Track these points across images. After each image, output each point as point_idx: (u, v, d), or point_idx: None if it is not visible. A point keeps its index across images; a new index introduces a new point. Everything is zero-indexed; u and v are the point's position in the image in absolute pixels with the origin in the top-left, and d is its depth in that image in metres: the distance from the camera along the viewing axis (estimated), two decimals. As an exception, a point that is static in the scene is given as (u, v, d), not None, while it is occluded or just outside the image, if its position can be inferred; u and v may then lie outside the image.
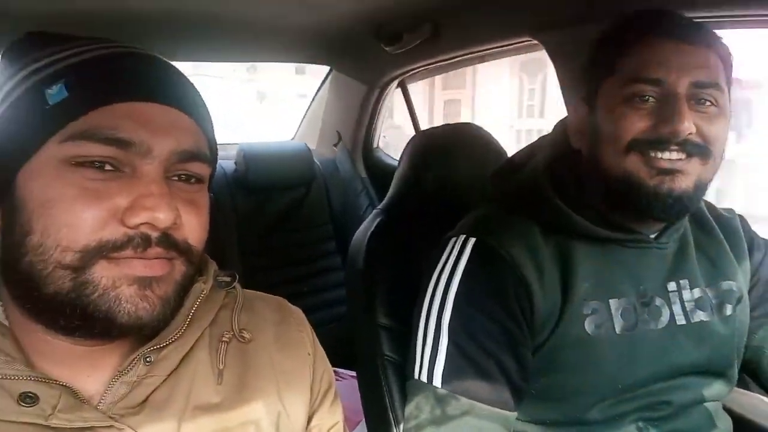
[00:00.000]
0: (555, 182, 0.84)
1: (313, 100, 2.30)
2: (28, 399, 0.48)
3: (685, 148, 0.73)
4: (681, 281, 0.85)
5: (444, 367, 0.77)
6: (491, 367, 0.77)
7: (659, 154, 0.74)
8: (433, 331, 0.80)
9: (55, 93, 0.49)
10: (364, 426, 1.10)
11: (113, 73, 0.51)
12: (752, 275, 0.91)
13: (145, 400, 0.53)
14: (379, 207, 1.18)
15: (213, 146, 0.58)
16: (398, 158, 1.23)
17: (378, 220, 1.12)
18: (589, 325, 0.79)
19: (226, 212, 1.90)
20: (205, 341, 0.59)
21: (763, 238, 0.94)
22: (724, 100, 0.76)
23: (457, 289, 0.80)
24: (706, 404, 0.84)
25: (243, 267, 1.86)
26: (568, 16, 1.13)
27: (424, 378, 0.78)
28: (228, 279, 0.65)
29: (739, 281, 0.89)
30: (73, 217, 0.47)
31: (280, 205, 2.01)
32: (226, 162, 2.00)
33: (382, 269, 1.06)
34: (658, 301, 0.83)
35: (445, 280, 0.82)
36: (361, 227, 1.15)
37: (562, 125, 0.92)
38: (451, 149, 1.16)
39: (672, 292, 0.84)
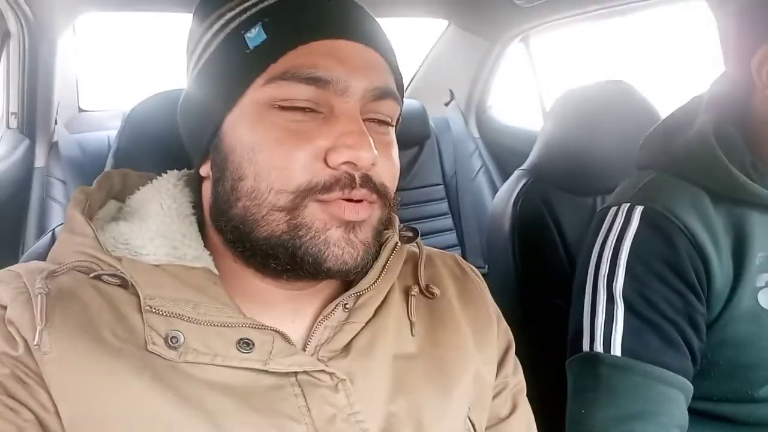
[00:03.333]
0: (724, 146, 0.77)
1: (426, 56, 2.26)
2: (245, 345, 0.49)
3: None
4: None
5: (623, 334, 0.74)
6: (672, 334, 0.74)
7: None
8: (604, 300, 0.77)
9: (255, 36, 0.50)
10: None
11: (307, 12, 0.51)
12: None
13: (347, 345, 0.54)
14: (522, 168, 1.15)
15: (401, 85, 0.57)
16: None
17: (524, 180, 1.10)
18: (763, 298, 0.75)
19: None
20: (395, 293, 0.59)
21: None
22: None
23: (628, 256, 0.76)
24: None
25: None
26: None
27: (599, 348, 0.75)
28: (410, 234, 0.64)
29: None
30: (282, 160, 0.48)
31: (395, 163, 2.01)
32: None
33: (528, 230, 1.04)
34: None
35: (612, 248, 0.78)
36: (504, 187, 1.13)
37: (722, 83, 0.84)
38: (600, 108, 1.10)
39: None
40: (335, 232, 0.49)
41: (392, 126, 0.56)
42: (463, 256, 2.08)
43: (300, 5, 0.52)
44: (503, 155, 2.11)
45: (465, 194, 2.08)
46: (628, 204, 0.80)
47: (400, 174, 0.54)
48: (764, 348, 0.75)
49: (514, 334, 0.67)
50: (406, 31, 2.26)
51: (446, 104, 2.21)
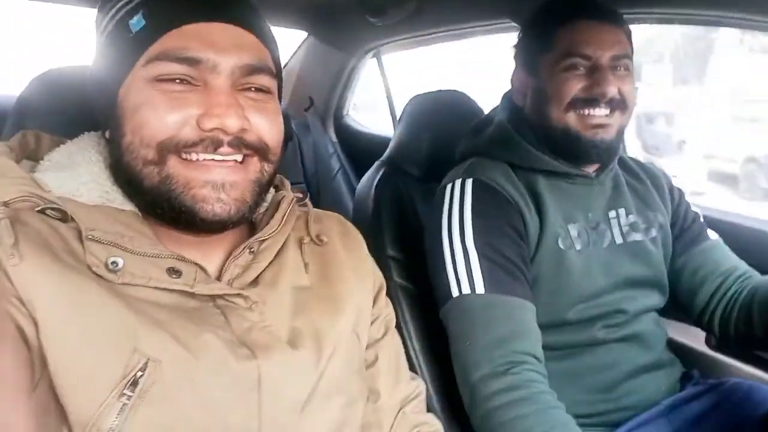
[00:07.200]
0: (516, 130, 1.07)
1: (286, 64, 2.39)
2: (174, 273, 0.59)
3: (610, 104, 0.98)
4: (619, 210, 1.08)
5: (482, 275, 0.93)
6: (515, 270, 0.95)
7: (592, 111, 0.98)
8: (461, 251, 0.96)
9: (136, 22, 0.59)
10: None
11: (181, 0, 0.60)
12: (672, 214, 1.15)
13: (255, 279, 0.65)
14: (381, 159, 1.35)
15: (277, 60, 0.67)
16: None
17: (382, 170, 1.29)
18: (561, 242, 1.01)
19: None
20: (290, 242, 0.72)
21: (678, 187, 1.19)
22: (631, 66, 1.01)
23: (472, 214, 0.98)
24: (650, 313, 1.08)
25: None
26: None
27: (466, 290, 0.94)
28: (300, 195, 0.77)
29: (663, 213, 1.13)
30: (155, 117, 0.56)
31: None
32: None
33: (388, 210, 1.24)
34: (602, 226, 1.06)
35: (458, 211, 1.00)
36: (367, 176, 1.31)
37: (509, 94, 1.15)
38: (442, 111, 1.35)
39: (612, 218, 1.07)
40: (201, 191, 0.58)
41: (271, 93, 0.64)
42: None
43: None
44: (359, 157, 2.32)
45: (326, 192, 2.25)
46: (461, 179, 1.03)
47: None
48: (564, 280, 1.00)
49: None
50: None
51: (306, 110, 2.36)
